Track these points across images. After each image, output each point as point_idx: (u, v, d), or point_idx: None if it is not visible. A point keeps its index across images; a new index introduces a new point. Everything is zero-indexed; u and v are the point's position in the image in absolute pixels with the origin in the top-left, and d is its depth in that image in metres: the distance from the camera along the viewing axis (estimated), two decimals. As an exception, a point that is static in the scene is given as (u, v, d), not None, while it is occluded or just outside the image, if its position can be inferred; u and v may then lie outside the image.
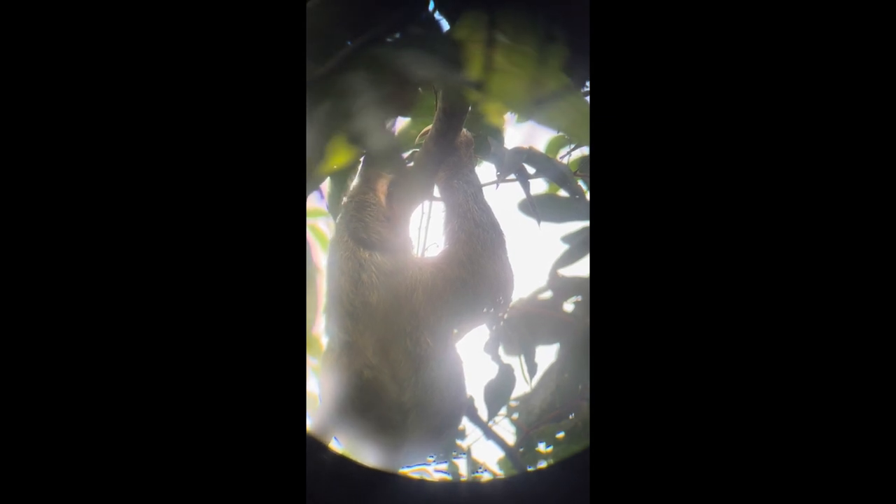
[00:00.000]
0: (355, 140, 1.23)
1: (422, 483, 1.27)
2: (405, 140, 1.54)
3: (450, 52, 1.15)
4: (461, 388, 1.36)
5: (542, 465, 1.53)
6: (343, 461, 1.25)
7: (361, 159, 1.49)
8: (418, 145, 1.52)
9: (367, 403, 1.29)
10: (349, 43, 1.15)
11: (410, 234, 1.46)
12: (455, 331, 1.36)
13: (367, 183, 1.45)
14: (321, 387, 1.34)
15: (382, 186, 1.42)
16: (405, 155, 1.54)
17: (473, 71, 1.15)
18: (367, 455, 1.29)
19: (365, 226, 1.38)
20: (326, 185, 1.53)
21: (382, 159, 1.45)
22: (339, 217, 1.45)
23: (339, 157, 1.27)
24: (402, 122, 1.54)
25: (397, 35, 1.16)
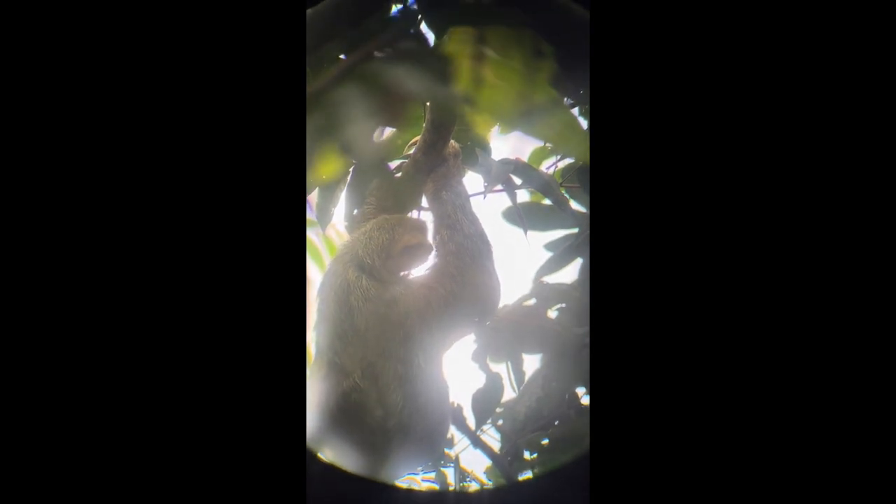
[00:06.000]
0: (344, 150, 1.24)
1: (409, 494, 1.28)
2: (393, 150, 1.55)
3: (439, 66, 1.17)
4: (445, 412, 1.37)
5: (528, 474, 1.54)
6: (330, 470, 1.25)
7: (351, 169, 1.50)
8: (406, 156, 1.53)
9: (352, 425, 1.29)
10: (343, 57, 1.17)
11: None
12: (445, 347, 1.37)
13: (406, 220, 1.45)
14: (307, 400, 1.34)
15: (412, 234, 1.42)
16: (393, 165, 1.55)
17: (462, 85, 1.16)
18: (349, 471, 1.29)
19: (369, 249, 1.38)
20: (315, 195, 1.53)
21: (370, 170, 1.47)
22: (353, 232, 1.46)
23: (328, 166, 1.27)
24: (389, 132, 1.54)
25: (388, 50, 1.17)
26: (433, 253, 1.43)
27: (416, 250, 1.41)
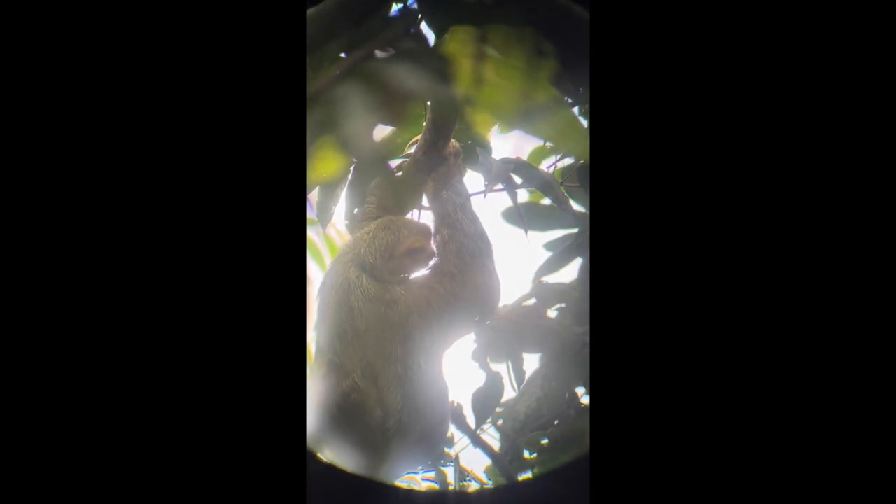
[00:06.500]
0: (345, 149, 1.24)
1: (409, 493, 1.28)
2: (393, 149, 1.55)
3: (439, 65, 1.17)
4: (445, 412, 1.37)
5: (528, 474, 1.55)
6: (330, 470, 1.26)
7: (352, 168, 1.50)
8: (407, 155, 1.53)
9: (352, 425, 1.29)
10: (343, 56, 1.17)
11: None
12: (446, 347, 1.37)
13: (411, 223, 1.45)
14: (307, 400, 1.34)
15: (416, 237, 1.42)
16: (394, 164, 1.56)
17: (463, 84, 1.16)
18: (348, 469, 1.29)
19: (373, 248, 1.37)
20: (315, 194, 1.53)
21: (370, 168, 1.47)
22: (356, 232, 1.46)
23: (328, 164, 1.28)
24: (389, 131, 1.55)
25: (389, 50, 1.17)
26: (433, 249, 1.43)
27: (419, 254, 1.41)
